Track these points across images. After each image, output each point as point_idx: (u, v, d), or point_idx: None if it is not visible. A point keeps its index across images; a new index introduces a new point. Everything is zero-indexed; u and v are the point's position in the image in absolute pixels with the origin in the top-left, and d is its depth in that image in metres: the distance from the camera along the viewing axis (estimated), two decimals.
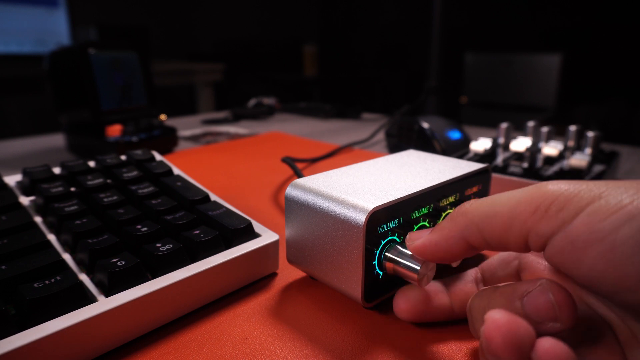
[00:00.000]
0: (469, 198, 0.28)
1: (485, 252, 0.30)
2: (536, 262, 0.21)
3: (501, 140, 0.45)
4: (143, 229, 0.25)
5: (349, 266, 0.22)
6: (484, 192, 0.29)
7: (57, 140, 0.67)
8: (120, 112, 0.55)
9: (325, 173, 0.26)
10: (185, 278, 0.22)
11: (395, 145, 0.55)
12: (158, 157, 0.37)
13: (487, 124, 0.92)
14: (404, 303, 0.21)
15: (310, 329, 0.22)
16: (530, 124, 0.46)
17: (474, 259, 0.29)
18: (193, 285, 0.23)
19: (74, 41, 1.79)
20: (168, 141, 0.59)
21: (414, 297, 0.21)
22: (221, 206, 0.29)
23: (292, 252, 0.25)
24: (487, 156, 0.43)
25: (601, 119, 2.02)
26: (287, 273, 0.28)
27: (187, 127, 0.78)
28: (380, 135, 0.71)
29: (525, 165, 0.40)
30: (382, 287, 0.23)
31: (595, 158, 0.41)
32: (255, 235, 0.27)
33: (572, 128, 0.44)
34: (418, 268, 0.21)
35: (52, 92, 0.56)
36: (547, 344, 0.14)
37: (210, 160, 0.55)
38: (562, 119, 2.05)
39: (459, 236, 0.19)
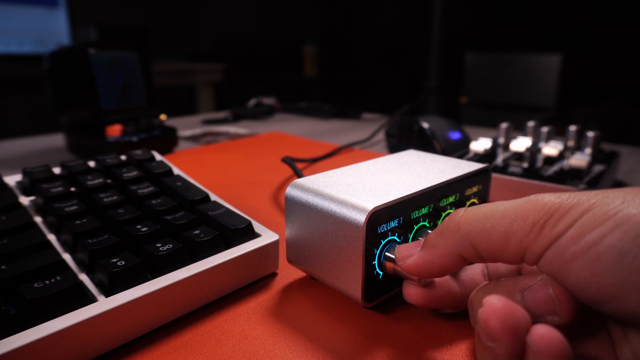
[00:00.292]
0: (469, 198, 0.28)
1: None
2: None
3: (501, 140, 0.45)
4: (143, 229, 0.25)
5: (349, 266, 0.22)
6: (484, 192, 0.29)
7: (57, 140, 0.67)
8: (120, 112, 0.55)
9: (325, 173, 0.26)
10: (185, 278, 0.22)
11: (395, 145, 0.55)
12: (158, 157, 0.37)
13: (487, 124, 0.92)
14: (413, 287, 0.21)
15: (310, 329, 0.22)
16: (530, 124, 0.46)
17: None
18: (193, 285, 0.23)
19: (74, 41, 1.79)
20: (168, 141, 0.59)
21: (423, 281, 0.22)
22: (221, 206, 0.29)
23: (292, 252, 0.25)
24: (487, 156, 0.43)
25: (601, 119, 2.02)
26: (287, 273, 0.28)
27: (187, 127, 0.78)
28: (380, 135, 0.71)
29: (525, 165, 0.40)
30: (382, 287, 0.23)
31: (595, 158, 0.41)
32: (255, 235, 0.27)
33: (572, 128, 0.44)
34: None
35: (52, 92, 0.56)
36: (541, 329, 0.15)
37: (210, 160, 0.55)
38: (562, 119, 2.05)
39: (454, 253, 0.19)
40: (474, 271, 0.23)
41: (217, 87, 2.24)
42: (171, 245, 0.23)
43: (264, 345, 0.21)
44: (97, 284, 0.22)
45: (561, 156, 0.42)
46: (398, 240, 0.23)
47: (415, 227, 0.24)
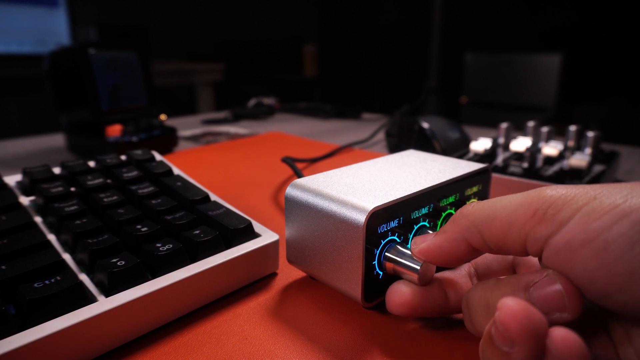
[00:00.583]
0: (469, 198, 0.28)
1: None
2: (531, 257, 0.21)
3: (501, 140, 0.45)
4: (143, 229, 0.25)
5: (349, 266, 0.22)
6: (484, 192, 0.29)
7: (57, 140, 0.67)
8: (120, 112, 0.55)
9: (325, 173, 0.26)
10: (185, 278, 0.22)
11: (395, 145, 0.55)
12: (158, 157, 0.37)
13: (487, 124, 0.92)
14: (397, 297, 0.21)
15: (310, 329, 0.22)
16: (530, 124, 0.46)
17: None
18: (193, 285, 0.23)
19: (74, 41, 1.79)
20: (168, 141, 0.59)
21: (407, 291, 0.21)
22: (221, 206, 0.29)
23: (292, 252, 0.25)
24: (487, 156, 0.43)
25: (601, 119, 2.02)
26: (287, 273, 0.28)
27: (187, 127, 0.78)
28: (380, 135, 0.71)
29: (525, 165, 0.40)
30: (382, 287, 0.23)
31: (595, 158, 0.41)
32: (255, 235, 0.27)
33: (572, 128, 0.44)
34: (418, 268, 0.21)
35: (52, 92, 0.56)
36: (562, 332, 0.14)
37: (210, 160, 0.55)
38: (562, 119, 2.05)
39: (461, 238, 0.19)
40: (460, 275, 0.22)
41: (217, 87, 2.24)
42: (171, 245, 0.23)
43: (264, 345, 0.21)
44: (97, 284, 0.22)
45: (561, 156, 0.42)
46: (398, 240, 0.23)
47: (415, 227, 0.24)
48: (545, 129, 0.44)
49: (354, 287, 0.22)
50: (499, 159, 0.42)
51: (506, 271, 0.22)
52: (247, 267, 0.26)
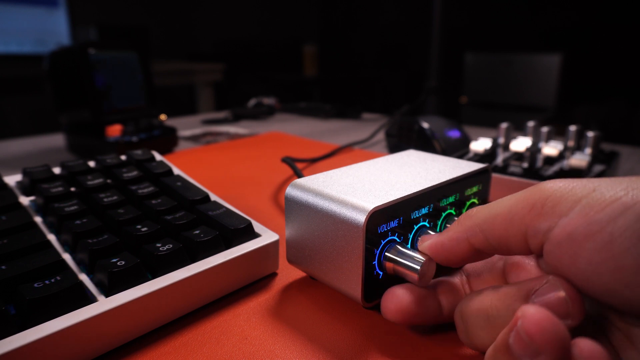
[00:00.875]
0: (469, 198, 0.28)
1: None
2: (523, 261, 0.20)
3: (501, 140, 0.45)
4: (143, 229, 0.25)
5: (349, 266, 0.22)
6: (484, 192, 0.29)
7: (57, 140, 0.67)
8: (120, 112, 0.55)
9: (325, 173, 0.26)
10: (185, 278, 0.22)
11: (395, 145, 0.55)
12: (158, 157, 0.37)
13: (487, 124, 0.92)
14: (392, 304, 0.21)
15: (310, 329, 0.22)
16: (530, 124, 0.46)
17: None
18: (193, 285, 0.23)
19: (74, 41, 1.79)
20: (168, 141, 0.59)
21: (403, 298, 0.21)
22: (221, 206, 0.29)
23: (292, 252, 0.25)
24: (487, 156, 0.43)
25: (601, 119, 2.02)
26: (287, 273, 0.28)
27: (187, 127, 0.78)
28: (380, 135, 0.71)
29: (525, 165, 0.40)
30: (382, 287, 0.23)
31: (595, 158, 0.41)
32: (255, 235, 0.27)
33: (572, 128, 0.44)
34: (418, 268, 0.21)
35: (52, 92, 0.56)
36: (587, 343, 0.14)
37: (210, 160, 0.55)
38: (562, 119, 2.05)
39: (463, 237, 0.19)
40: (452, 283, 0.22)
41: (217, 87, 2.24)
42: (171, 245, 0.23)
43: (264, 345, 0.21)
44: (97, 284, 0.22)
45: (561, 156, 0.42)
46: (398, 240, 0.23)
47: (415, 227, 0.24)
48: (545, 129, 0.44)
49: (354, 287, 0.22)
50: (499, 159, 0.42)
51: (496, 278, 0.21)
52: (247, 267, 0.26)
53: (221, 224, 0.26)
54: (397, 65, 2.94)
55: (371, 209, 0.21)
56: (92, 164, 0.35)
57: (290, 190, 0.25)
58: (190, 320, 0.23)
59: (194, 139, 0.69)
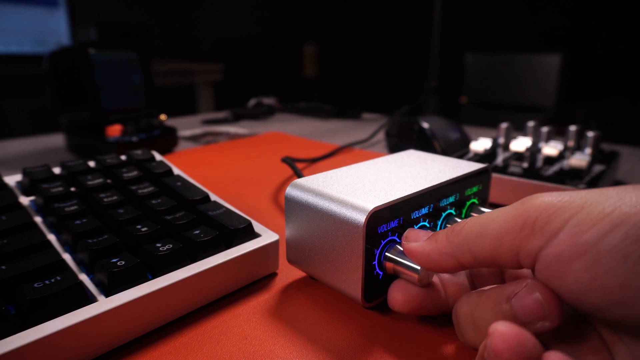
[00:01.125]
0: (469, 198, 0.28)
1: None
2: None
3: (501, 140, 0.45)
4: (143, 229, 0.25)
5: (349, 266, 0.22)
6: (484, 192, 0.29)
7: (57, 140, 0.67)
8: (120, 112, 0.55)
9: (325, 173, 0.26)
10: (185, 278, 0.22)
11: (395, 145, 0.55)
12: (158, 157, 0.37)
13: (487, 124, 0.92)
14: (399, 295, 0.21)
15: (310, 329, 0.22)
16: (530, 124, 0.46)
17: None
18: (193, 285, 0.23)
19: (74, 41, 1.79)
20: (168, 141, 0.59)
21: (409, 289, 0.21)
22: (221, 206, 0.29)
23: (292, 252, 0.25)
24: (487, 156, 0.43)
25: (601, 119, 2.02)
26: (287, 273, 0.28)
27: (187, 127, 0.78)
28: (380, 135, 0.71)
29: (525, 165, 0.40)
30: (382, 287, 0.23)
31: (595, 158, 0.41)
32: (255, 235, 0.27)
33: (572, 128, 0.44)
34: (418, 268, 0.21)
35: (52, 92, 0.56)
36: (556, 357, 0.14)
37: (210, 160, 0.55)
38: (562, 119, 2.05)
39: (451, 254, 0.19)
40: (458, 274, 0.22)
41: (217, 87, 2.24)
42: (171, 245, 0.23)
43: (264, 345, 0.21)
44: (97, 284, 0.22)
45: (561, 156, 0.42)
46: (398, 240, 0.23)
47: (415, 227, 0.24)
48: (545, 129, 0.44)
49: (354, 287, 0.22)
50: (499, 159, 0.42)
51: (496, 275, 0.22)
52: (247, 267, 0.26)
53: (221, 224, 0.26)
54: (397, 65, 2.94)
55: (371, 209, 0.21)
56: (92, 164, 0.35)
57: (290, 190, 0.25)
58: (190, 320, 0.23)
59: (194, 139, 0.69)
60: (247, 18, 2.98)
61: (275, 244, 0.27)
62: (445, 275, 0.22)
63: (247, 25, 2.99)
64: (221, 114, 0.93)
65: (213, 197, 0.31)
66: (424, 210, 0.24)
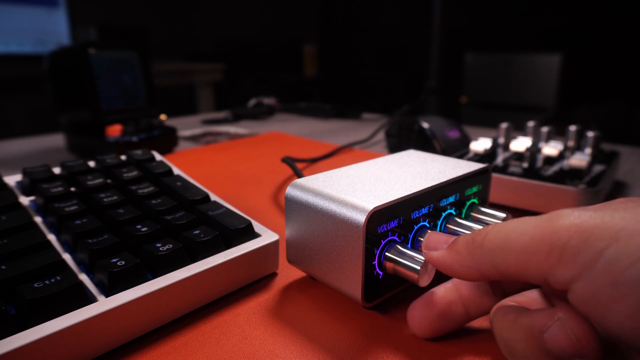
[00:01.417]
0: (469, 198, 0.28)
1: None
2: None
3: (501, 140, 0.45)
4: (143, 229, 0.25)
5: (349, 266, 0.22)
6: (484, 192, 0.29)
7: (57, 140, 0.67)
8: (120, 112, 0.55)
9: (325, 173, 0.26)
10: (185, 278, 0.22)
11: (395, 145, 0.55)
12: (158, 157, 0.37)
13: (487, 124, 0.92)
14: (418, 325, 0.21)
15: (310, 329, 0.22)
16: (530, 124, 0.46)
17: None
18: (193, 285, 0.23)
19: (74, 41, 1.79)
20: (168, 141, 0.59)
21: (428, 316, 0.21)
22: (221, 206, 0.29)
23: (292, 252, 0.25)
24: (487, 156, 0.43)
25: (601, 119, 2.02)
26: (287, 273, 0.28)
27: (187, 127, 0.78)
28: (380, 135, 0.71)
29: (525, 165, 0.40)
30: (382, 287, 0.23)
31: (595, 158, 0.41)
32: (255, 235, 0.27)
33: (572, 128, 0.44)
34: (418, 268, 0.21)
35: (52, 92, 0.56)
36: None
37: (210, 160, 0.55)
38: (562, 119, 2.05)
39: (475, 268, 0.18)
40: (482, 288, 0.21)
41: (217, 87, 2.24)
42: (171, 245, 0.23)
43: (264, 345, 0.21)
44: (97, 284, 0.22)
45: (561, 156, 0.42)
46: (398, 240, 0.23)
47: (415, 227, 0.24)
48: (545, 129, 0.44)
49: (354, 287, 0.22)
50: (499, 159, 0.42)
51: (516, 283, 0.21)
52: (247, 267, 0.26)
53: (221, 224, 0.26)
54: (397, 65, 2.94)
55: (371, 209, 0.21)
56: (92, 164, 0.35)
57: (290, 190, 0.25)
58: (190, 320, 0.23)
59: (194, 139, 0.69)
60: (247, 18, 2.98)
61: (275, 244, 0.27)
62: (463, 286, 0.22)
63: (247, 25, 2.99)
64: (221, 114, 0.93)
65: (213, 197, 0.31)
66: (424, 210, 0.24)
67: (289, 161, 0.42)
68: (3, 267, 0.21)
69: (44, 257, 0.22)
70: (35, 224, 0.26)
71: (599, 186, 0.34)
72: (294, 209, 0.24)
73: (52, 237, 0.26)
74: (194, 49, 2.79)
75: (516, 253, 0.17)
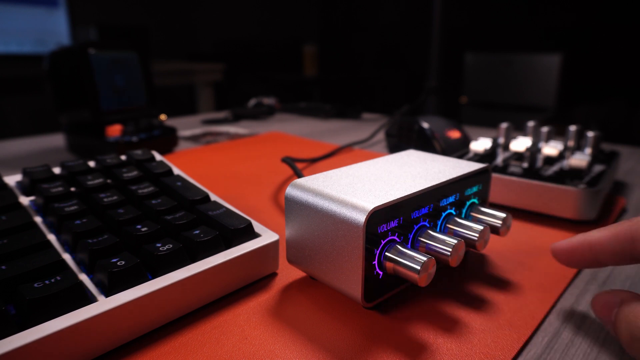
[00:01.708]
0: (469, 198, 0.28)
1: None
2: None
3: (501, 140, 0.45)
4: (143, 229, 0.25)
5: (349, 266, 0.22)
6: (484, 192, 0.29)
7: (57, 140, 0.67)
8: (120, 112, 0.55)
9: (325, 173, 0.26)
10: (185, 278, 0.22)
11: (395, 145, 0.55)
12: (158, 157, 0.37)
13: (487, 124, 0.92)
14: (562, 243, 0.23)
15: (310, 329, 0.22)
16: (530, 124, 0.46)
17: (477, 261, 0.29)
18: (193, 285, 0.23)
19: (74, 41, 1.79)
20: (168, 141, 0.59)
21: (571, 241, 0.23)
22: (221, 206, 0.29)
23: (292, 252, 0.25)
24: (487, 156, 0.43)
25: (601, 119, 2.02)
26: (287, 273, 0.28)
27: (187, 127, 0.78)
28: (380, 135, 0.71)
29: (525, 165, 0.40)
30: (382, 287, 0.23)
31: (595, 158, 0.41)
32: (255, 235, 0.27)
33: (572, 128, 0.44)
34: (418, 268, 0.21)
35: (52, 92, 0.56)
36: None
37: (210, 160, 0.55)
38: (562, 119, 2.05)
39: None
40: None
41: (217, 87, 2.24)
42: (171, 245, 0.23)
43: (264, 345, 0.21)
44: (97, 284, 0.22)
45: (561, 156, 0.42)
46: (398, 240, 0.23)
47: (415, 227, 0.24)
48: (545, 129, 0.44)
49: (354, 287, 0.22)
50: (499, 159, 0.42)
51: None
52: (247, 267, 0.26)
53: (221, 224, 0.26)
54: (397, 65, 2.94)
55: (371, 208, 0.21)
56: (92, 164, 0.35)
57: (290, 190, 0.25)
58: (190, 320, 0.23)
59: (194, 139, 0.69)
60: (247, 18, 2.98)
61: (275, 244, 0.27)
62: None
63: (247, 25, 2.99)
64: (221, 114, 0.93)
65: (213, 197, 0.31)
66: (424, 210, 0.24)
67: (289, 161, 0.42)
68: (3, 267, 0.21)
69: (44, 257, 0.22)
70: (35, 224, 0.26)
71: (599, 186, 0.34)
72: (294, 209, 0.24)
73: (52, 237, 0.26)
74: (194, 49, 2.79)
75: None
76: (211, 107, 2.17)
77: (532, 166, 0.39)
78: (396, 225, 0.23)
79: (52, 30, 1.75)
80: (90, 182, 0.31)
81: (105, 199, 0.28)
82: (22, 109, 1.95)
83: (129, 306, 0.20)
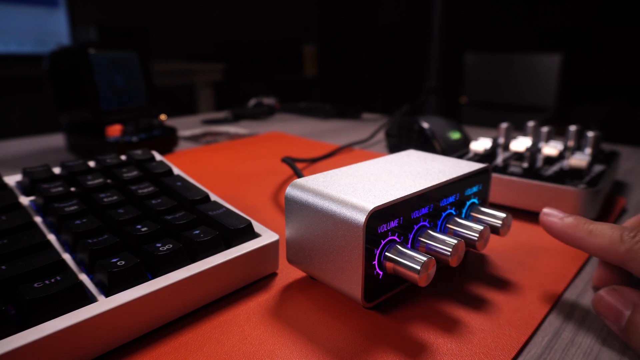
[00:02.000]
0: (469, 198, 0.28)
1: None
2: None
3: (501, 140, 0.45)
4: (143, 229, 0.25)
5: (349, 266, 0.22)
6: (484, 192, 0.29)
7: (57, 140, 0.67)
8: (120, 112, 0.55)
9: (325, 173, 0.26)
10: (185, 278, 0.22)
11: (395, 145, 0.55)
12: (158, 157, 0.37)
13: (487, 124, 0.92)
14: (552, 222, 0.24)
15: (310, 329, 0.22)
16: (530, 124, 0.46)
17: (473, 261, 0.29)
18: (193, 285, 0.23)
19: (74, 41, 1.79)
20: (168, 141, 0.59)
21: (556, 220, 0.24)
22: (221, 206, 0.29)
23: (292, 252, 0.25)
24: (487, 156, 0.43)
25: (601, 119, 2.02)
26: (287, 273, 0.28)
27: (187, 127, 0.78)
28: (380, 135, 0.71)
29: (525, 165, 0.40)
30: (382, 287, 0.23)
31: (595, 158, 0.41)
32: (255, 235, 0.27)
33: (572, 128, 0.44)
34: (418, 268, 0.21)
35: (52, 92, 0.56)
36: None
37: (210, 160, 0.55)
38: (562, 119, 2.05)
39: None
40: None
41: (217, 87, 2.24)
42: (171, 245, 0.23)
43: (264, 345, 0.21)
44: (97, 284, 0.22)
45: (561, 156, 0.42)
46: (398, 240, 0.23)
47: (415, 227, 0.24)
48: (545, 129, 0.44)
49: (354, 287, 0.22)
50: (499, 159, 0.42)
51: None
52: (247, 267, 0.26)
53: (221, 224, 0.26)
54: (397, 65, 2.94)
55: (371, 208, 0.21)
56: (92, 164, 0.35)
57: (290, 190, 0.25)
58: (190, 320, 0.23)
59: (194, 139, 0.69)
60: (247, 18, 2.98)
61: (275, 244, 0.27)
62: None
63: (247, 25, 2.99)
64: (221, 114, 0.93)
65: (213, 197, 0.31)
66: (424, 210, 0.24)
67: (289, 161, 0.42)
68: (3, 267, 0.21)
69: (44, 257, 0.22)
70: (35, 224, 0.26)
71: (599, 186, 0.34)
72: (294, 209, 0.24)
73: (52, 237, 0.26)
74: (194, 49, 2.79)
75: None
76: (211, 107, 2.17)
77: (532, 166, 0.39)
78: (396, 225, 0.23)
79: (52, 30, 1.75)
80: (90, 182, 0.31)
81: (105, 199, 0.28)
82: (22, 109, 1.95)
83: (129, 306, 0.20)
